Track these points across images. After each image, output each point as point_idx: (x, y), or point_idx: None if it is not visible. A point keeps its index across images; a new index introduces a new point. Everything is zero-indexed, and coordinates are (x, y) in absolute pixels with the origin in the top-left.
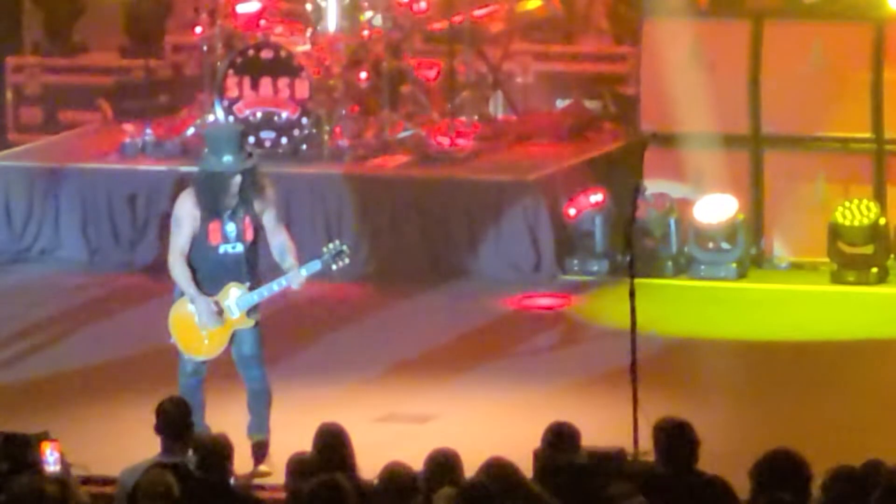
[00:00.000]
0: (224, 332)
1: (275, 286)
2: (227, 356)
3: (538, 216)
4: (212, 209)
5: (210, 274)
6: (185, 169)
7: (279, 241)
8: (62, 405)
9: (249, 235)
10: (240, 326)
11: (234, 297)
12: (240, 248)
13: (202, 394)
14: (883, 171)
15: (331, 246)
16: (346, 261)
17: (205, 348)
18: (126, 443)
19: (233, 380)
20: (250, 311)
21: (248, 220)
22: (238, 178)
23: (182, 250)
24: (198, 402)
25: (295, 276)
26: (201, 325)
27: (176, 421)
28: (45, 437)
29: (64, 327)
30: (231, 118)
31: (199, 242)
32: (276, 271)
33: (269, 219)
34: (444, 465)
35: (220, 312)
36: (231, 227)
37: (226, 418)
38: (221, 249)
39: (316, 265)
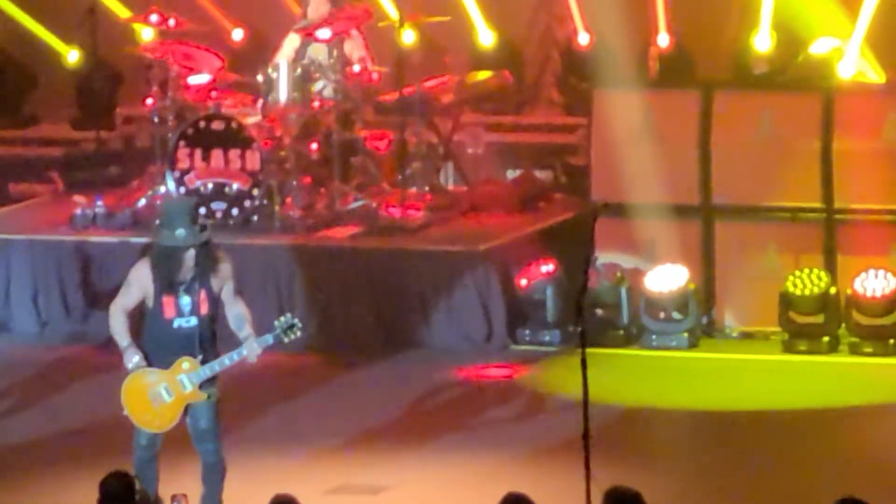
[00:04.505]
0: (177, 405)
1: (226, 360)
2: (182, 427)
3: (489, 286)
4: (167, 283)
5: (164, 348)
6: (135, 240)
7: (236, 311)
8: (11, 478)
9: (205, 309)
10: (192, 401)
11: (186, 371)
12: (194, 321)
13: (156, 466)
14: (833, 240)
15: (282, 319)
16: (298, 334)
17: (158, 421)
18: None
19: (187, 452)
20: (203, 385)
21: (203, 293)
22: (192, 252)
23: (124, 305)
24: (152, 474)
25: (249, 349)
26: (152, 397)
27: (118, 496)
28: None
29: (13, 400)
30: (182, 189)
31: (153, 316)
32: (232, 342)
33: (227, 293)
34: None
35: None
36: (186, 301)
37: (179, 491)
38: (175, 324)
39: (268, 339)
